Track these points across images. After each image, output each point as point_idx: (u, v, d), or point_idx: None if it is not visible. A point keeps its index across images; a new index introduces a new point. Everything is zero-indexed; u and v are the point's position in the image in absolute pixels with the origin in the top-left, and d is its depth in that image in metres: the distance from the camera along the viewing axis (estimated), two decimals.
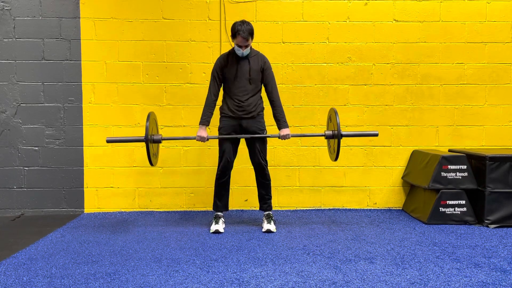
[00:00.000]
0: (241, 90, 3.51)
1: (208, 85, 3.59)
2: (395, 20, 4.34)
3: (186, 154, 4.32)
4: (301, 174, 4.38)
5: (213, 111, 3.59)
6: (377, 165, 4.39)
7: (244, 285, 2.44)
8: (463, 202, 3.79)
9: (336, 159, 3.53)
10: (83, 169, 4.27)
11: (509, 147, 4.38)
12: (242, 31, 3.35)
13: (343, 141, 4.31)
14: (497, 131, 4.40)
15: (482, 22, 4.34)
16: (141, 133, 4.25)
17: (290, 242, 3.27)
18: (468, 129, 4.40)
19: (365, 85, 4.35)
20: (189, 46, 4.28)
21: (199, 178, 4.34)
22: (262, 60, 3.55)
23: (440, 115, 4.38)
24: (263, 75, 3.56)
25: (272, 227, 3.59)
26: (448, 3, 4.33)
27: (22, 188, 4.25)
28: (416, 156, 4.27)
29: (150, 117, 3.44)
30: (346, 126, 4.34)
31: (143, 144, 4.24)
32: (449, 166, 3.80)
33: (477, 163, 3.85)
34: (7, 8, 4.18)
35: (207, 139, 3.55)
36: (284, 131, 3.55)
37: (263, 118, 3.64)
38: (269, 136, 3.59)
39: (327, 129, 3.73)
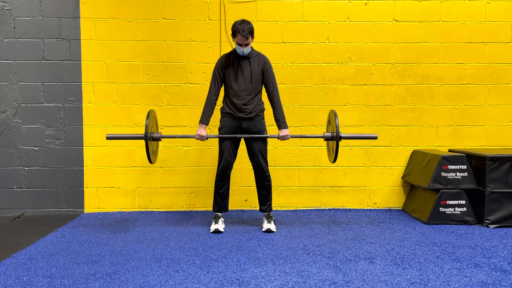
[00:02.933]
0: (241, 90, 3.51)
1: (209, 84, 3.59)
2: (395, 20, 4.34)
3: (186, 154, 4.32)
4: (301, 174, 4.38)
5: (213, 110, 3.59)
6: (377, 165, 4.39)
7: (244, 285, 2.44)
8: (463, 202, 3.79)
9: (334, 161, 3.53)
10: (83, 169, 4.27)
11: (509, 147, 4.38)
12: (242, 29, 3.37)
13: (343, 141, 4.32)
14: (497, 131, 4.40)
15: (482, 22, 4.34)
16: (141, 132, 4.25)
17: (290, 242, 3.27)
18: (468, 129, 4.40)
19: (365, 85, 4.35)
20: (189, 46, 4.29)
21: (199, 178, 4.34)
22: (263, 60, 3.56)
23: (440, 115, 4.38)
24: (264, 76, 3.56)
25: (272, 227, 3.59)
26: (448, 3, 4.33)
27: (22, 188, 4.25)
28: (416, 156, 4.27)
29: (150, 115, 3.45)
30: (346, 126, 4.34)
31: (143, 144, 4.25)
32: (449, 166, 3.80)
33: (477, 163, 3.85)
34: (7, 8, 4.18)
35: (207, 138, 3.56)
36: (284, 132, 3.55)
37: (263, 118, 3.63)
38: (268, 137, 3.59)
39: (327, 130, 3.73)
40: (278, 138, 3.57)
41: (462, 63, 4.36)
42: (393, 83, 4.36)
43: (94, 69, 4.25)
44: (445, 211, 3.79)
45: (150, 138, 3.45)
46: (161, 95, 4.29)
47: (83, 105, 4.26)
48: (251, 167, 3.68)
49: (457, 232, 3.55)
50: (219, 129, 3.62)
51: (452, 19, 4.34)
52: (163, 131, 4.27)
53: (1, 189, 4.23)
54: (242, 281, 2.50)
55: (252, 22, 3.45)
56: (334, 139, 3.47)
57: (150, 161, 3.47)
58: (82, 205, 4.29)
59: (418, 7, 4.32)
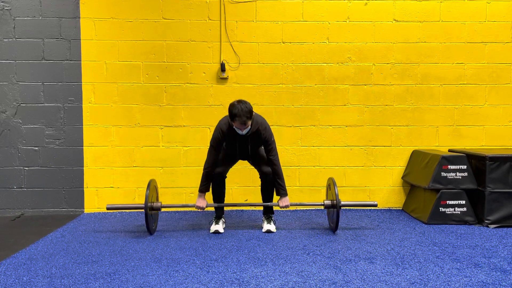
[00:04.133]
0: (239, 154, 3.55)
1: (207, 153, 3.48)
2: (395, 20, 4.34)
3: (186, 154, 4.32)
4: (301, 174, 4.38)
5: (211, 178, 3.51)
6: (377, 165, 4.39)
7: (244, 285, 2.44)
8: (463, 202, 3.79)
9: (335, 230, 3.51)
10: (83, 169, 4.27)
11: (509, 147, 4.38)
12: (239, 116, 3.20)
13: (343, 140, 4.32)
14: (497, 131, 4.40)
15: (482, 22, 4.34)
16: (141, 134, 4.26)
17: (290, 242, 3.27)
18: (468, 129, 4.40)
19: (365, 85, 4.35)
20: (189, 46, 4.28)
21: (199, 178, 4.31)
22: (263, 135, 3.41)
23: (440, 115, 4.38)
24: (264, 145, 3.48)
25: (272, 227, 3.59)
26: (448, 3, 4.33)
27: (22, 188, 4.25)
28: (416, 156, 4.27)
29: (151, 184, 3.43)
30: (346, 126, 4.34)
31: (143, 144, 4.26)
32: (449, 166, 3.80)
33: (477, 163, 3.85)
34: (7, 8, 4.18)
35: (206, 207, 3.53)
36: (284, 202, 3.50)
37: None
38: (270, 205, 3.56)
39: (326, 198, 3.74)
40: (279, 207, 3.53)
41: (462, 63, 4.36)
42: (393, 83, 4.36)
43: (94, 69, 4.25)
44: (445, 211, 3.79)
45: (150, 208, 3.41)
46: (161, 95, 4.29)
47: (83, 105, 4.26)
48: (251, 167, 3.68)
49: (457, 232, 3.55)
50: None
51: (452, 19, 4.34)
52: (163, 131, 4.28)
53: (1, 189, 4.23)
54: (242, 281, 2.50)
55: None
56: (334, 207, 3.46)
57: (150, 232, 3.44)
58: (82, 205, 4.29)
59: (418, 7, 4.32)
